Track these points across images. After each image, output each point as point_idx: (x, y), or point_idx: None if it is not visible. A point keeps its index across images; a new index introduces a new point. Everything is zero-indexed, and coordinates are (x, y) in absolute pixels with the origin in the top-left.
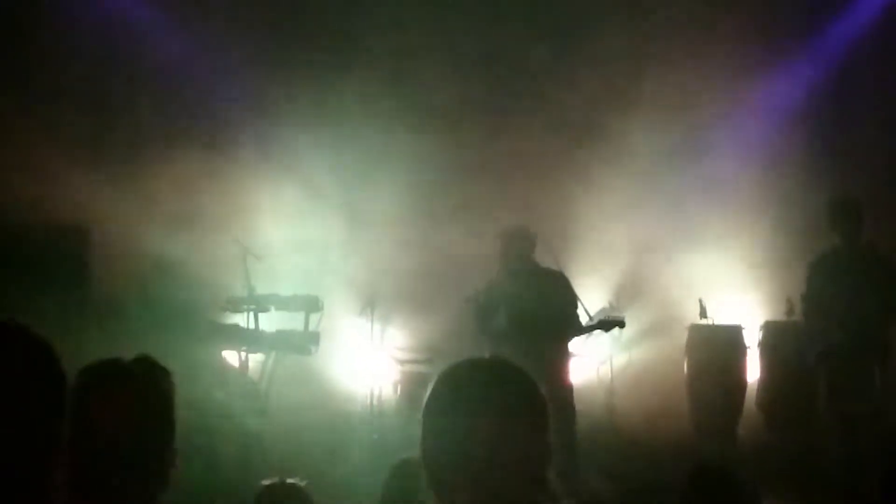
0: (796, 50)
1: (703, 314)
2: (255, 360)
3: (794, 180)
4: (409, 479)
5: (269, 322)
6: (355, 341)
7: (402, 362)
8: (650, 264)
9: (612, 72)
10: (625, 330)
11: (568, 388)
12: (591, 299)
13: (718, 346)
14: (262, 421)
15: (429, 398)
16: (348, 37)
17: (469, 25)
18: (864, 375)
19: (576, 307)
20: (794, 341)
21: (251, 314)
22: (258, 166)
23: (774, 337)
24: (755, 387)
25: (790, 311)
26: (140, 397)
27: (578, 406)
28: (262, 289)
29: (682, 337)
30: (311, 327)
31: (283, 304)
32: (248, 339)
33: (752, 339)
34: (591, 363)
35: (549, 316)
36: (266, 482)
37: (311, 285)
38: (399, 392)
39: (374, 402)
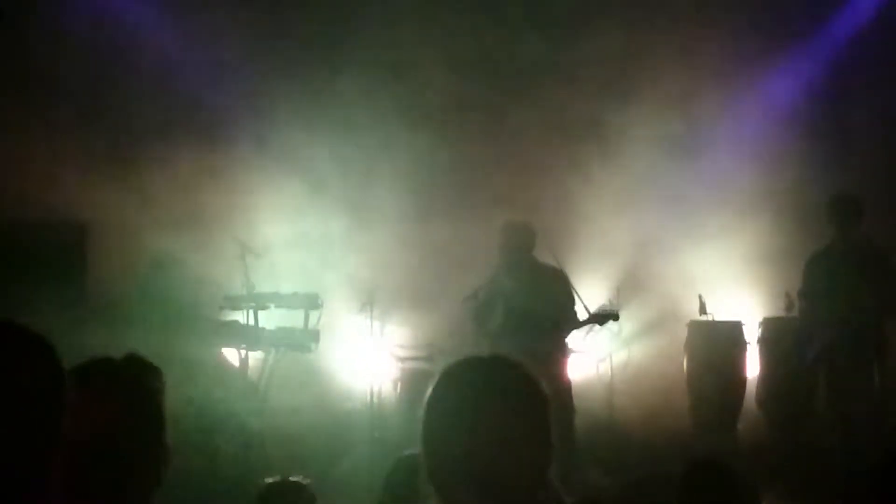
0: (795, 46)
1: (702, 310)
2: (255, 357)
3: (793, 176)
4: (410, 476)
5: (269, 319)
6: (355, 339)
7: (402, 359)
8: (650, 261)
9: (612, 68)
10: (625, 326)
11: (566, 385)
12: (591, 296)
13: (718, 343)
14: (262, 419)
15: (430, 395)
16: (347, 33)
17: (468, 22)
18: (861, 372)
19: (573, 304)
20: (793, 337)
21: (251, 312)
22: (257, 163)
23: (774, 333)
24: (755, 383)
25: (789, 307)
26: (127, 396)
27: (578, 403)
28: (261, 286)
29: (682, 333)
30: (311, 325)
31: (283, 301)
32: (248, 337)
33: (752, 335)
34: (590, 359)
35: (546, 312)
36: (268, 480)
37: (310, 282)
38: (399, 389)
39: (375, 399)
